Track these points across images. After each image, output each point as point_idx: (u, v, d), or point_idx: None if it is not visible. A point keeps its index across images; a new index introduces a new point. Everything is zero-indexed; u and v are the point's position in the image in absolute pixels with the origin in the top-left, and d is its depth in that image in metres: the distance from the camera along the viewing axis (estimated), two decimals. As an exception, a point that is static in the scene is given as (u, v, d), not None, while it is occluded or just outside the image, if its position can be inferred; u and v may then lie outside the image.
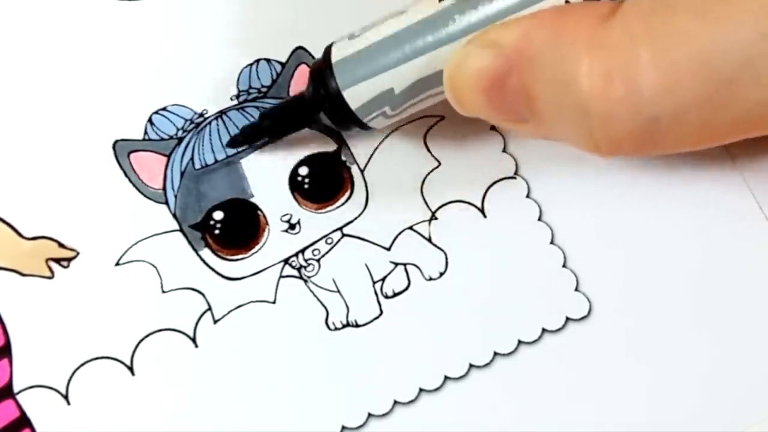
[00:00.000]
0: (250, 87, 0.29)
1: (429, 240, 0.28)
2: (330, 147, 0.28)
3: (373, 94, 0.24)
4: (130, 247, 0.27)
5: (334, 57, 0.25)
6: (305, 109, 0.26)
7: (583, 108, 0.20)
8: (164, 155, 0.28)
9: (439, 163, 0.28)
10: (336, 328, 0.27)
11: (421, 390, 0.27)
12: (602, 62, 0.20)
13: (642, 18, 0.19)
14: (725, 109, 0.19)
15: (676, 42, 0.19)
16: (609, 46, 0.20)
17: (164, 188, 0.28)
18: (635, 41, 0.19)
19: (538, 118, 0.22)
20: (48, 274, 0.27)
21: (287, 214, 0.28)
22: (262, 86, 0.29)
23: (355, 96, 0.24)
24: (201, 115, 0.29)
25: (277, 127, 0.27)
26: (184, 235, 0.28)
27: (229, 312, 0.27)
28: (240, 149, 0.28)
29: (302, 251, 0.28)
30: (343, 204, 0.28)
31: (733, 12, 0.19)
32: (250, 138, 0.28)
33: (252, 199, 0.28)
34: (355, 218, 0.28)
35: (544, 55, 0.21)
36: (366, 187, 0.28)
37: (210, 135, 0.28)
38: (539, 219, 0.28)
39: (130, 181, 0.28)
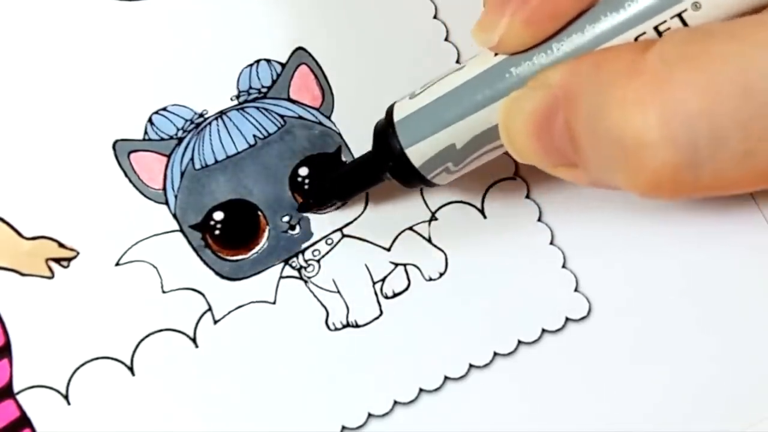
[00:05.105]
0: (250, 87, 0.29)
1: (429, 240, 0.28)
2: (330, 148, 0.28)
3: (435, 151, 0.24)
4: (131, 248, 0.27)
5: (396, 116, 0.24)
6: (371, 170, 0.26)
7: (617, 138, 0.19)
8: (164, 155, 0.28)
9: (439, 164, 0.29)
10: (336, 329, 0.27)
11: (421, 390, 0.27)
12: (636, 90, 0.19)
13: (679, 44, 0.19)
14: None
15: (713, 64, 0.18)
16: (643, 73, 0.19)
17: (164, 188, 0.28)
18: (671, 66, 0.18)
19: (582, 159, 0.21)
20: (48, 274, 0.27)
21: (287, 215, 0.28)
22: (262, 86, 0.29)
23: (418, 154, 0.24)
24: (201, 115, 0.29)
25: (344, 188, 0.27)
26: (185, 235, 0.28)
27: (229, 312, 0.27)
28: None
29: (302, 252, 0.28)
30: (343, 204, 0.28)
31: None
32: (319, 201, 0.28)
33: (252, 200, 0.28)
34: (355, 219, 0.28)
35: (585, 89, 0.20)
36: (366, 187, 0.28)
37: (210, 135, 0.28)
38: (539, 220, 0.28)
39: (130, 181, 0.28)
